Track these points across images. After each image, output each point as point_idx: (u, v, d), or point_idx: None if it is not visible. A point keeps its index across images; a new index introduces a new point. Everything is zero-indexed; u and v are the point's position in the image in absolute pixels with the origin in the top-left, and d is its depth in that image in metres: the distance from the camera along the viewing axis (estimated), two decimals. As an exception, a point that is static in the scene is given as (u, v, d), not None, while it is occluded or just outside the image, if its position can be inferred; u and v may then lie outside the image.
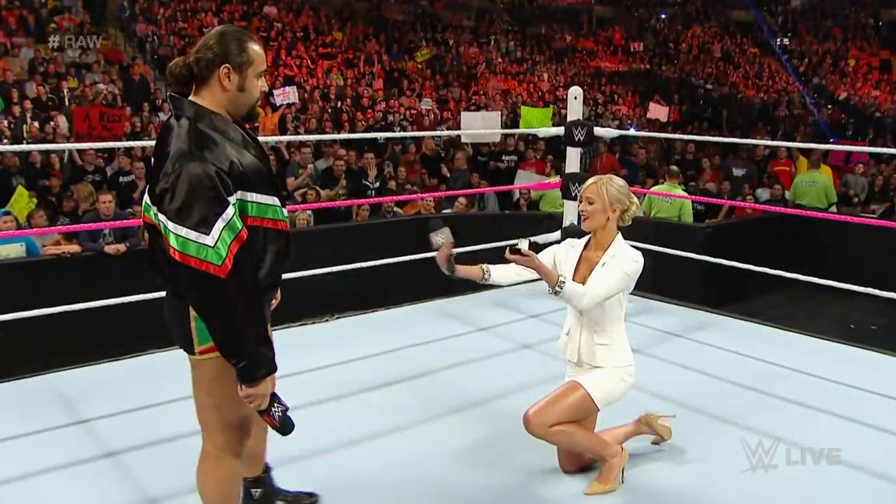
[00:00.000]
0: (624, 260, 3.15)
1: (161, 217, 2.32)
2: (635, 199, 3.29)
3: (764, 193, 11.39)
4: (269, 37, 19.90)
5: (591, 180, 3.26)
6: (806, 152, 11.73)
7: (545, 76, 23.74)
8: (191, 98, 2.45)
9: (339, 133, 14.20)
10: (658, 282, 7.40)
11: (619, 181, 3.26)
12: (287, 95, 14.03)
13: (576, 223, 6.21)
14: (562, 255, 3.35)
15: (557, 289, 3.03)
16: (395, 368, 4.63)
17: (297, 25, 21.33)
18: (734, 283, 7.80)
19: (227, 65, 2.41)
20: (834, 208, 10.55)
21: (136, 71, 16.06)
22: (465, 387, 4.41)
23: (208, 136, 2.37)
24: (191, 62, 2.45)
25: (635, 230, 7.55)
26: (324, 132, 13.94)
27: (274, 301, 2.84)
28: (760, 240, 8.77)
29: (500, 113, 14.54)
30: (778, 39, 28.16)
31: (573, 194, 6.05)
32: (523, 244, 3.05)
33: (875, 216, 10.55)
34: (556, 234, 6.13)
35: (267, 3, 21.97)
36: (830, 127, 21.01)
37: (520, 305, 5.85)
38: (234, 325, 2.30)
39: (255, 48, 2.49)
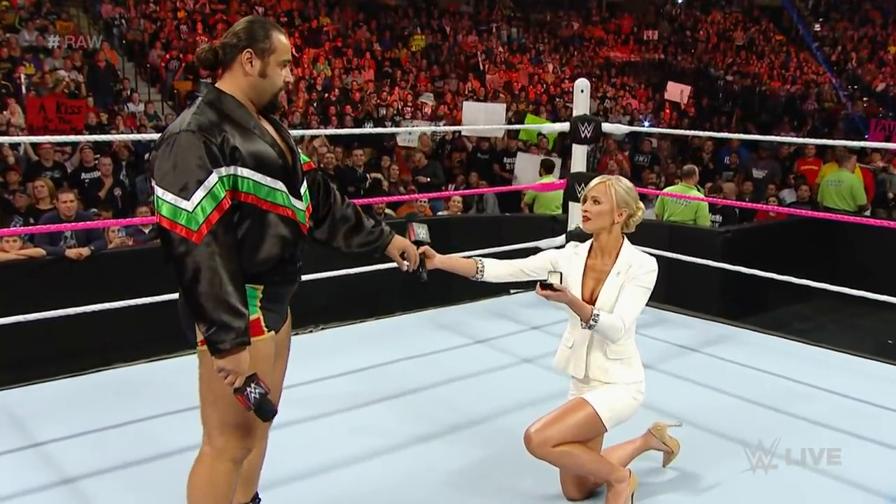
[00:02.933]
0: (641, 272, 3.21)
1: (153, 183, 2.58)
2: (642, 205, 3.34)
3: (790, 195, 11.35)
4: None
5: (597, 179, 3.30)
6: (831, 149, 11.65)
7: (550, 67, 23.76)
8: (217, 84, 2.71)
9: (325, 127, 14.22)
10: (672, 291, 7.39)
11: (627, 183, 3.31)
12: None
13: (582, 227, 6.23)
14: (563, 263, 3.38)
15: (592, 322, 3.09)
16: (385, 384, 4.67)
17: (280, 10, 21.30)
18: (756, 292, 7.76)
19: (250, 49, 2.67)
20: (868, 211, 10.51)
21: (103, 57, 15.97)
22: (461, 404, 4.45)
23: (209, 112, 2.60)
24: (217, 47, 2.73)
25: (647, 234, 7.59)
26: (308, 126, 13.96)
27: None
28: (785, 245, 8.71)
29: (504, 105, 14.60)
30: (808, 26, 28.04)
31: (579, 196, 6.08)
32: (555, 278, 3.09)
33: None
34: (560, 239, 6.16)
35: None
36: (866, 121, 20.94)
37: (519, 316, 5.89)
38: (202, 291, 2.46)
39: (280, 37, 2.73)
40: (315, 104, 16.11)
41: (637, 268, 3.20)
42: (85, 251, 6.51)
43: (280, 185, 2.68)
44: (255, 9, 20.58)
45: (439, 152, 13.64)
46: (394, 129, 13.68)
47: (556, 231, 6.59)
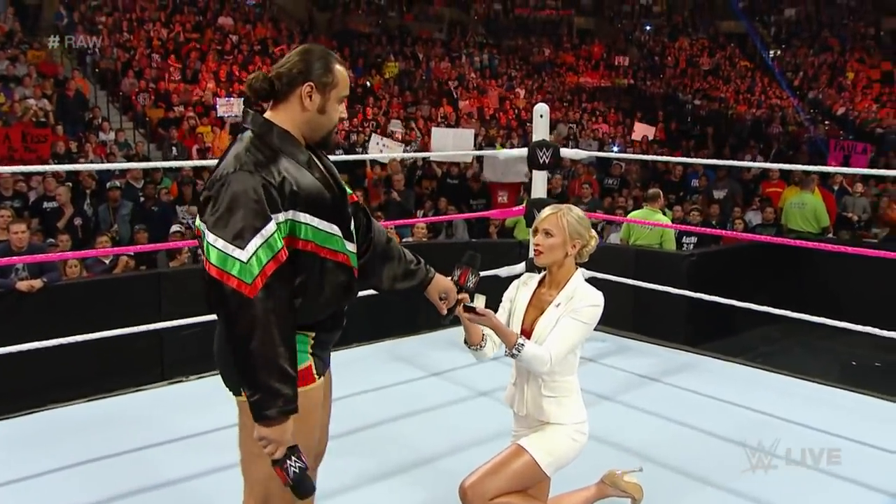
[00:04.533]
0: (581, 305, 2.92)
1: (202, 226, 2.34)
2: (594, 234, 3.08)
3: (755, 217, 11.30)
4: (223, 49, 19.69)
5: (548, 210, 3.05)
6: (792, 173, 11.61)
7: (521, 92, 23.64)
8: (267, 115, 2.49)
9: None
10: (639, 316, 7.22)
11: (579, 211, 3.06)
12: (231, 107, 13.78)
13: (535, 261, 6.01)
14: (513, 293, 3.14)
15: (515, 351, 2.82)
16: (336, 421, 4.33)
17: (254, 38, 21.14)
18: (722, 316, 7.59)
19: (311, 83, 2.47)
20: (830, 233, 10.45)
21: (73, 86, 15.69)
22: (413, 442, 4.19)
23: (265, 148, 2.41)
24: (272, 77, 2.49)
25: (613, 259, 7.49)
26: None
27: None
28: (751, 268, 8.57)
29: (473, 131, 14.41)
30: (771, 52, 28.23)
31: (538, 222, 5.86)
32: (479, 301, 2.83)
33: (877, 241, 10.43)
34: (521, 267, 5.92)
35: (222, 14, 21.79)
36: (828, 144, 20.99)
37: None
38: (252, 351, 2.24)
39: (341, 70, 2.54)
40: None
41: (578, 300, 2.92)
42: (37, 283, 6.23)
43: (335, 228, 2.48)
44: (230, 37, 20.40)
45: (410, 179, 13.41)
46: (364, 156, 13.39)
47: (522, 257, 6.37)
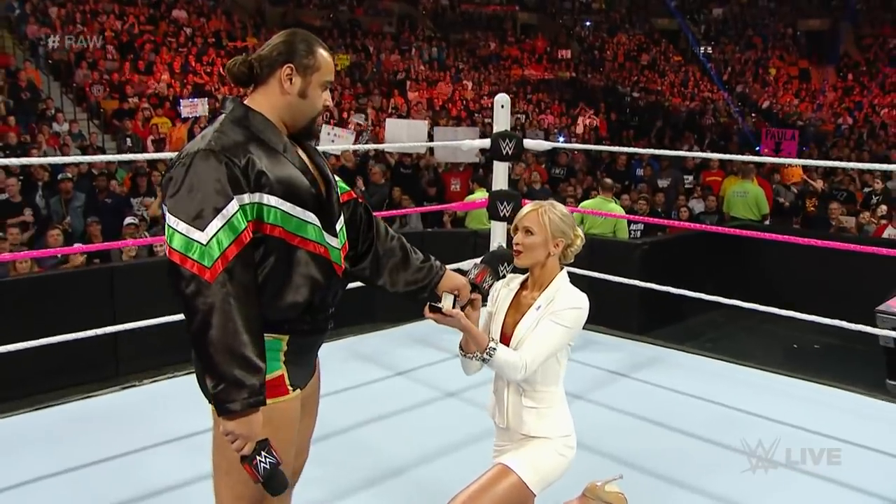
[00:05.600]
0: (563, 307, 2.50)
1: (164, 209, 2.10)
2: (580, 232, 2.66)
3: (698, 205, 11.08)
4: (177, 42, 18.96)
5: (528, 206, 2.62)
6: (730, 162, 11.50)
7: (469, 84, 23.27)
8: (247, 100, 2.23)
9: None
10: (593, 305, 6.88)
11: (562, 208, 2.64)
12: (195, 108, 13.15)
13: (505, 245, 5.62)
14: (495, 294, 2.72)
15: (486, 356, 2.41)
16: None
17: (207, 31, 20.39)
18: (672, 303, 7.37)
19: (291, 65, 2.20)
20: (768, 220, 10.31)
21: (25, 76, 14.87)
22: (381, 450, 3.75)
23: (238, 131, 2.14)
24: (252, 59, 2.24)
25: (568, 248, 7.17)
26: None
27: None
28: (699, 255, 8.34)
29: (427, 122, 13.97)
30: (701, 48, 28.34)
31: (501, 214, 5.45)
32: (446, 301, 2.41)
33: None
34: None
35: (175, 7, 21.00)
36: (755, 135, 21.06)
37: (442, 342, 5.18)
38: (212, 338, 1.96)
39: (325, 55, 2.27)
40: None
41: (559, 302, 2.51)
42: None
43: (312, 217, 2.18)
44: (183, 29, 19.62)
45: (362, 168, 12.88)
46: (335, 147, 12.77)
47: (479, 246, 5.97)
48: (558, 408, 2.58)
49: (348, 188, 2.48)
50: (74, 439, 3.83)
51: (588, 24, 30.47)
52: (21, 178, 9.60)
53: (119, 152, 12.80)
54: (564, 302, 2.51)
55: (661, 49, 29.00)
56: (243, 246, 2.02)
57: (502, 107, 5.59)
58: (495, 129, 5.52)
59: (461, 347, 2.55)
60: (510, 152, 5.35)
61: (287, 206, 2.12)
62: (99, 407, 4.30)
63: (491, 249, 5.60)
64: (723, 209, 10.49)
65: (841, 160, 16.22)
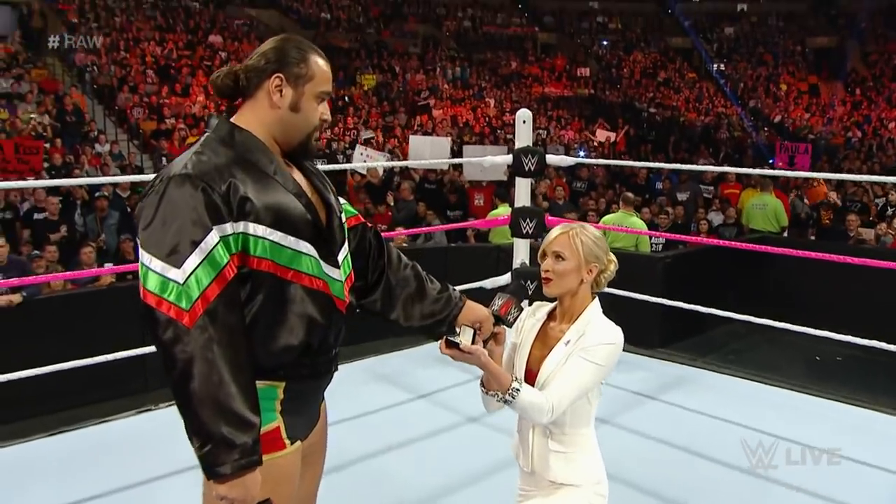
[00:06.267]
0: (595, 343, 2.12)
1: (138, 242, 1.75)
2: (613, 257, 2.29)
3: (717, 217, 10.67)
4: (212, 66, 18.81)
5: (558, 230, 2.24)
6: (750, 175, 11.12)
7: (491, 102, 22.93)
8: (234, 117, 1.87)
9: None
10: (615, 318, 6.54)
11: (595, 231, 2.26)
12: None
13: (528, 262, 5.25)
14: (520, 324, 2.35)
15: (508, 398, 2.05)
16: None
17: (242, 54, 20.24)
18: (693, 315, 7.02)
19: (280, 74, 1.84)
20: (786, 232, 9.90)
21: (70, 101, 14.81)
22: (401, 480, 3.40)
23: (220, 151, 1.78)
24: (237, 70, 1.88)
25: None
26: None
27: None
28: (720, 268, 7.95)
29: (449, 139, 13.64)
30: (715, 65, 27.85)
31: (524, 231, 5.08)
32: (465, 336, 2.05)
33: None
34: (506, 277, 5.14)
35: (212, 32, 20.93)
36: (769, 149, 20.58)
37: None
38: (194, 392, 1.61)
39: (320, 63, 1.90)
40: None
41: (590, 337, 2.13)
42: (16, 298, 5.39)
43: (308, 247, 1.82)
44: (219, 53, 19.51)
45: (388, 184, 12.57)
46: (347, 166, 12.49)
47: (501, 261, 5.61)
48: (589, 452, 2.20)
49: (355, 212, 2.12)
50: (86, 469, 3.52)
51: (605, 43, 30.03)
52: (62, 197, 9.42)
53: (156, 171, 12.61)
54: (596, 337, 2.14)
55: (675, 66, 28.53)
56: (226, 283, 1.68)
57: (524, 122, 5.23)
58: (517, 145, 5.16)
59: (482, 384, 2.19)
60: (532, 168, 4.98)
61: (277, 236, 1.77)
62: (116, 432, 3.99)
63: (514, 266, 5.22)
64: (742, 221, 10.10)
65: (852, 172, 15.77)
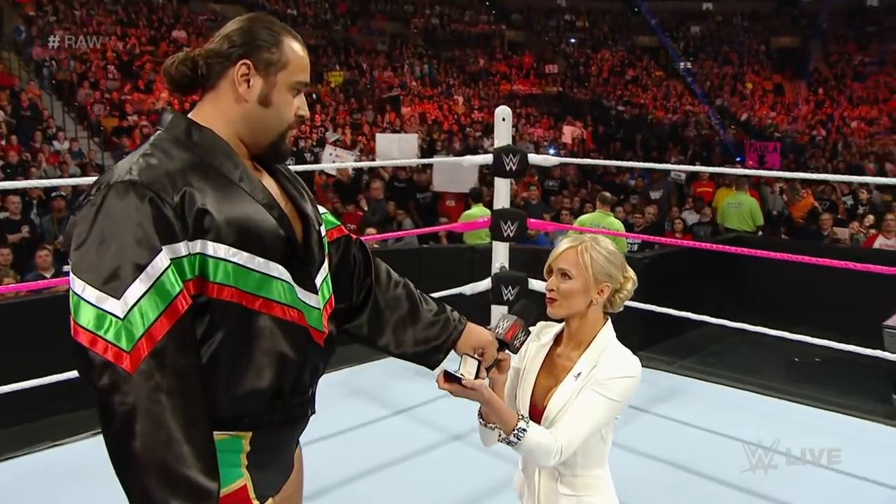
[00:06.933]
0: (610, 375, 1.85)
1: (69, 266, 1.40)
2: (632, 273, 2.01)
3: (691, 216, 10.53)
4: (176, 62, 18.34)
5: (565, 243, 1.95)
6: (728, 175, 11.04)
7: (460, 100, 22.68)
8: (192, 112, 1.54)
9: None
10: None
11: (609, 245, 1.97)
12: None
13: (507, 266, 4.99)
14: (524, 349, 2.06)
15: (513, 439, 1.77)
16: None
17: (204, 50, 19.77)
18: (672, 316, 6.88)
19: (248, 61, 1.50)
20: (761, 231, 9.80)
21: (27, 97, 14.26)
22: (380, 506, 3.10)
23: (169, 154, 1.44)
24: (196, 55, 1.53)
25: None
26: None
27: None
28: (698, 268, 7.78)
29: (417, 135, 13.36)
30: (682, 63, 27.91)
31: (505, 234, 4.82)
32: (467, 367, 1.77)
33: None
34: (486, 283, 4.88)
35: (175, 27, 20.38)
36: (736, 147, 20.61)
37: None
38: (135, 454, 1.29)
39: (295, 47, 1.55)
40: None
41: (605, 369, 1.85)
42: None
43: (280, 270, 1.49)
44: (183, 49, 18.91)
45: (357, 182, 12.24)
46: (317, 166, 12.12)
47: (476, 262, 5.34)
48: (604, 495, 1.93)
49: (337, 222, 1.81)
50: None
51: (573, 41, 29.94)
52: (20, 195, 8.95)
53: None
54: (612, 369, 1.86)
55: (643, 65, 28.54)
56: (178, 317, 1.36)
57: (503, 120, 4.98)
58: (497, 144, 4.90)
59: (481, 415, 1.92)
60: (514, 168, 4.71)
61: (242, 258, 1.44)
62: (64, 458, 3.62)
63: (493, 271, 4.96)
64: (717, 220, 10.01)
65: (818, 171, 15.84)
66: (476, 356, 1.78)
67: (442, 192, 11.46)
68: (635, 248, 8.68)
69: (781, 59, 28.48)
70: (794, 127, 23.20)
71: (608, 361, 1.87)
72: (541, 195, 11.85)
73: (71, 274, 1.36)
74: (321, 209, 1.70)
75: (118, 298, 1.31)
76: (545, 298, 1.93)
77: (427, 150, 14.80)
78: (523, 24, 30.18)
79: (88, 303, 1.32)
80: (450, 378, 1.70)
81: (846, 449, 3.67)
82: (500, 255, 5.03)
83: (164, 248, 1.36)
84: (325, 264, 1.64)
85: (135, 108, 15.19)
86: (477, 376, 1.75)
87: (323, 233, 1.66)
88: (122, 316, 1.31)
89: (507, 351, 1.82)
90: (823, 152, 19.69)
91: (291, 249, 1.51)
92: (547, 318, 2.00)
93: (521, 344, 1.84)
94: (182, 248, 1.38)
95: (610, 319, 1.99)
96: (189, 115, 1.53)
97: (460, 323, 1.81)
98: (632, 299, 4.28)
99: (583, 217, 8.35)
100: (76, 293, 1.34)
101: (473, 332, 1.80)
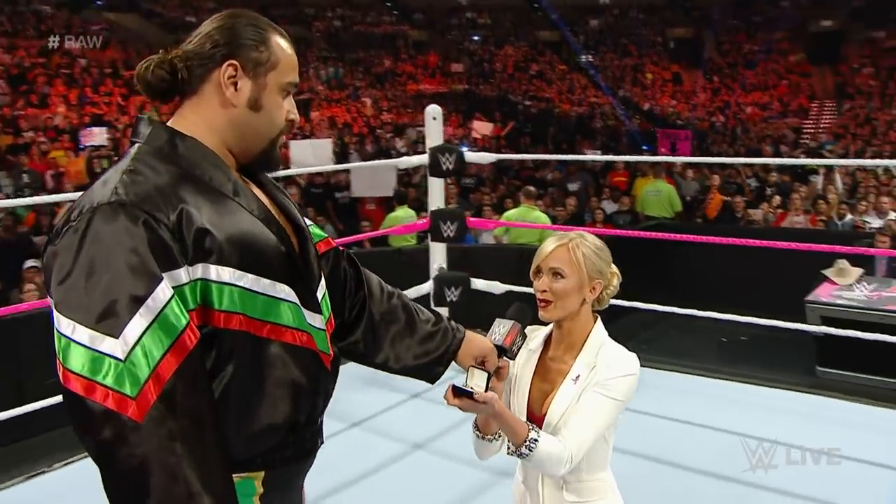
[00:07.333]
0: (612, 375, 1.77)
1: (50, 302, 1.21)
2: (616, 269, 1.95)
3: (610, 206, 10.67)
4: (71, 74, 17.47)
5: (553, 241, 1.87)
6: (644, 165, 11.27)
7: (368, 102, 22.48)
8: (171, 120, 1.38)
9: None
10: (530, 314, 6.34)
11: (596, 240, 1.90)
12: (93, 136, 11.87)
13: (445, 267, 4.90)
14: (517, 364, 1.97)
15: (525, 451, 1.68)
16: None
17: (104, 61, 18.90)
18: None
19: (235, 61, 1.36)
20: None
21: None
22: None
23: (154, 168, 1.28)
24: (174, 57, 1.36)
25: (492, 260, 6.52)
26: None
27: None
28: (623, 256, 7.82)
29: (330, 140, 13.10)
30: (584, 57, 28.41)
31: (445, 235, 4.72)
32: (476, 380, 1.65)
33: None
34: (428, 285, 4.77)
35: (69, 38, 19.44)
36: (642, 136, 21.10)
37: (394, 380, 4.36)
38: None
39: (283, 44, 1.42)
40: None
41: (604, 369, 1.78)
42: None
43: (287, 291, 1.36)
44: (78, 60, 18.14)
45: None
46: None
47: (403, 265, 5.22)
48: (610, 499, 1.86)
49: (324, 235, 1.68)
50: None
51: (476, 38, 30.13)
52: None
53: (16, 189, 11.49)
54: (613, 368, 1.79)
55: (546, 59, 28.94)
56: (187, 353, 1.19)
57: (434, 119, 4.87)
58: (430, 144, 4.79)
59: (477, 427, 1.82)
60: (451, 167, 4.62)
61: (248, 280, 1.29)
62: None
63: (432, 273, 4.85)
64: (636, 208, 10.18)
65: (721, 155, 16.39)
66: (480, 367, 1.67)
67: (360, 197, 11.29)
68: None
69: (678, 50, 29.38)
70: (695, 114, 23.95)
71: (607, 361, 1.81)
72: (459, 192, 11.82)
73: (55, 312, 1.18)
74: (307, 221, 1.56)
75: (116, 337, 1.14)
76: (537, 301, 1.85)
77: (340, 154, 14.56)
78: (426, 23, 30.20)
79: (80, 344, 1.15)
80: (459, 393, 1.60)
81: (776, 420, 3.81)
82: (438, 256, 4.94)
83: (164, 274, 1.20)
84: (323, 280, 1.51)
85: (30, 125, 14.38)
86: (486, 388, 1.64)
87: (313, 244, 1.52)
88: (122, 357, 1.14)
89: (505, 357, 1.72)
90: (724, 137, 20.38)
91: (293, 266, 1.38)
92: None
93: (519, 349, 1.75)
94: (182, 274, 1.23)
95: (599, 318, 1.91)
96: (168, 124, 1.37)
97: (459, 332, 1.70)
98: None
99: (508, 212, 8.34)
100: (64, 335, 1.16)
101: (474, 342, 1.70)
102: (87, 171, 11.75)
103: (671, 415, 3.90)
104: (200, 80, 1.37)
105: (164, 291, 1.19)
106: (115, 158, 12.53)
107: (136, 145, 1.34)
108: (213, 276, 1.26)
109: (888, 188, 10.76)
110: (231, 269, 1.27)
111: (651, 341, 6.59)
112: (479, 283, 4.65)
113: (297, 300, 1.37)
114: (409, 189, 9.27)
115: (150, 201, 1.22)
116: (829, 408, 4.12)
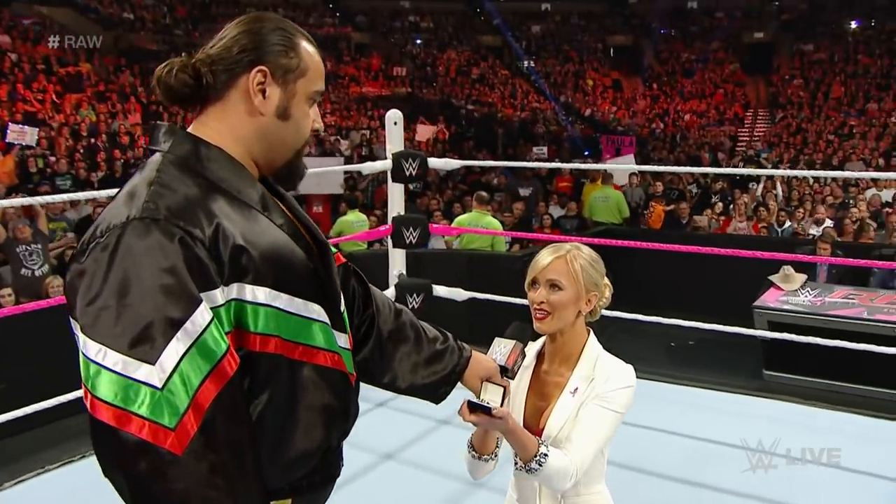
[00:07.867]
0: (611, 388, 1.79)
1: (74, 325, 1.12)
2: (608, 280, 1.96)
3: (557, 210, 10.81)
4: (1, 69, 16.83)
5: (549, 253, 1.86)
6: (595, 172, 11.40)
7: (310, 103, 22.22)
8: (192, 127, 1.31)
9: (96, 174, 11.94)
10: (480, 320, 6.32)
11: (591, 252, 1.91)
12: (24, 136, 11.40)
13: (405, 273, 4.87)
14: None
15: (535, 466, 1.67)
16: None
17: (37, 56, 18.27)
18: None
19: (264, 67, 1.29)
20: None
21: None
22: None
23: (186, 180, 1.21)
24: (197, 61, 1.30)
25: (444, 266, 6.51)
26: (78, 174, 11.58)
27: None
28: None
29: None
30: (525, 62, 28.63)
31: (407, 241, 4.69)
32: (491, 395, 1.64)
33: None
34: (390, 292, 4.73)
35: (-2, 32, 18.79)
36: (584, 141, 21.36)
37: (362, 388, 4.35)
38: None
39: (311, 51, 1.36)
40: (82, 151, 13.55)
41: (602, 382, 1.79)
42: None
43: (318, 311, 1.31)
44: (8, 55, 17.48)
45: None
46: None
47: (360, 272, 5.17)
48: (604, 510, 1.87)
49: (334, 249, 1.60)
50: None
51: (419, 41, 30.11)
52: None
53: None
54: (611, 380, 1.80)
55: (489, 64, 29.08)
56: (227, 381, 1.13)
57: (395, 124, 4.85)
58: (391, 149, 4.76)
59: (473, 447, 1.80)
60: (414, 173, 4.60)
61: (282, 301, 1.24)
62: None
63: (392, 280, 4.82)
64: (584, 214, 10.31)
65: (662, 162, 16.73)
66: (495, 382, 1.66)
67: (308, 199, 11.18)
68: (508, 246, 8.77)
69: (618, 57, 29.90)
70: (635, 121, 24.35)
71: (605, 374, 1.82)
72: (406, 197, 11.79)
73: (81, 336, 1.11)
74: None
75: (153, 364, 1.07)
76: (532, 313, 1.85)
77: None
78: (369, 26, 30.05)
79: (112, 371, 1.07)
80: (475, 408, 1.59)
81: (721, 422, 3.91)
82: (398, 263, 4.91)
83: (202, 294, 1.14)
84: (343, 297, 1.46)
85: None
86: (502, 404, 1.63)
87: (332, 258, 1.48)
88: (160, 386, 1.07)
89: (508, 376, 1.71)
90: (664, 144, 20.79)
91: (320, 283, 1.33)
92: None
93: (519, 368, 1.75)
94: (218, 295, 1.17)
95: (591, 331, 1.92)
96: (191, 131, 1.31)
97: (465, 351, 1.67)
98: (510, 296, 4.36)
99: (460, 217, 8.34)
100: (93, 360, 1.09)
101: (480, 361, 1.67)
102: (19, 172, 11.30)
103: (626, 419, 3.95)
104: (226, 87, 1.31)
105: (202, 315, 1.12)
106: (52, 158, 12.23)
107: (158, 154, 1.26)
108: (248, 297, 1.21)
109: (822, 196, 11.17)
110: (266, 289, 1.22)
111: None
112: (441, 290, 4.63)
113: (327, 320, 1.33)
114: (356, 192, 9.19)
115: (184, 216, 1.16)
116: (776, 409, 4.22)
